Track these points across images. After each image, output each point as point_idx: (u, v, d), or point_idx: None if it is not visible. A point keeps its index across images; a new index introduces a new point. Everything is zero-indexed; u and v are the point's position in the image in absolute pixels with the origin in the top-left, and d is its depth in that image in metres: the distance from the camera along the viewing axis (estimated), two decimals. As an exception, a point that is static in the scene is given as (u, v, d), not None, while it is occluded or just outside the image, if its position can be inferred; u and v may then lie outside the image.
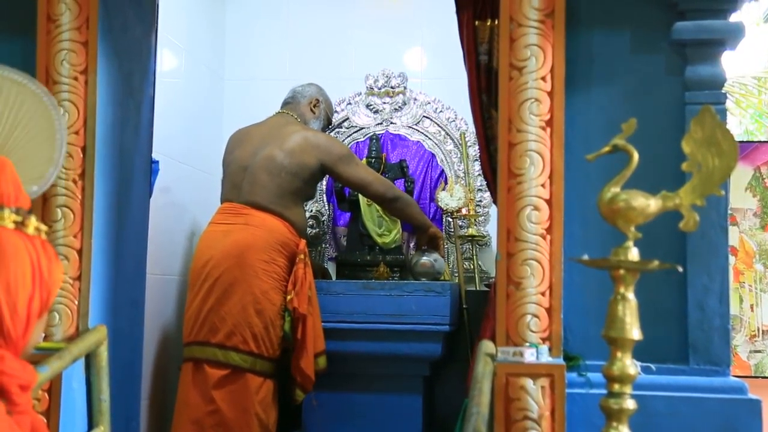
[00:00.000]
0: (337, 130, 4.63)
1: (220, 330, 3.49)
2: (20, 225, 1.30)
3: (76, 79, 2.69)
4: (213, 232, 3.67)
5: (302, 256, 3.57)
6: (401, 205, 3.88)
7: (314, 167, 3.76)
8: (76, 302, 2.66)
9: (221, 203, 3.80)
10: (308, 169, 3.75)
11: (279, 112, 4.02)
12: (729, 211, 2.93)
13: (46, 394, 2.54)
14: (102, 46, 2.74)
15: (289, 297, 3.51)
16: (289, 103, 4.03)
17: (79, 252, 2.67)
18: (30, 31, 2.73)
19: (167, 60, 4.03)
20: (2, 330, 1.26)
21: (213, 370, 3.49)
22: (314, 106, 4.04)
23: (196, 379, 3.50)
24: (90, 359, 2.63)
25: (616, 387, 1.93)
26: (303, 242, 3.65)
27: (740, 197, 4.44)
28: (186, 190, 4.23)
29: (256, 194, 3.69)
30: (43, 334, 2.62)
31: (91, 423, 2.64)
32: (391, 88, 4.59)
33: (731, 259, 4.37)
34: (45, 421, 2.47)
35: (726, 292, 2.58)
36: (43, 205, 2.65)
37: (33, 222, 1.32)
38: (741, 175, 4.44)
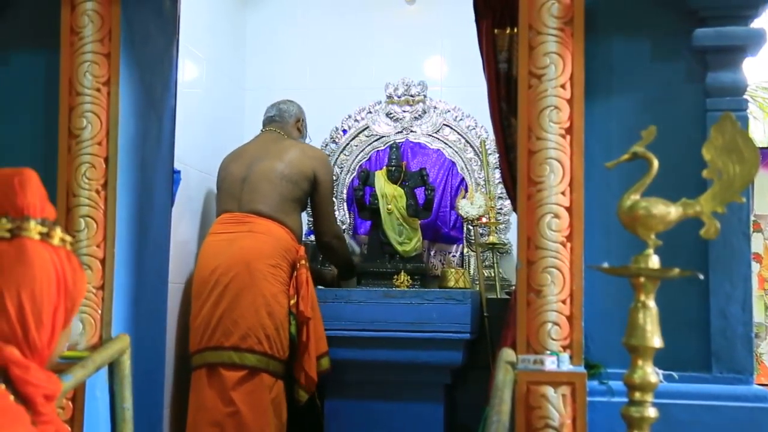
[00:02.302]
0: (357, 138, 4.64)
1: (234, 333, 3.56)
2: (45, 236, 1.31)
3: (98, 90, 2.72)
4: (216, 241, 3.76)
5: (303, 262, 3.72)
6: (332, 250, 4.08)
7: (311, 176, 3.92)
8: (99, 311, 2.68)
9: (218, 215, 3.90)
10: (306, 179, 3.91)
11: (268, 130, 4.15)
12: (753, 218, 2.91)
13: (70, 403, 2.56)
14: (124, 57, 2.77)
15: (292, 301, 3.63)
16: (277, 121, 4.16)
17: (102, 261, 2.69)
18: (54, 44, 2.77)
19: (189, 70, 4.06)
20: (28, 341, 1.28)
21: (229, 372, 3.55)
22: (300, 126, 4.21)
23: (212, 383, 3.56)
24: (113, 368, 2.65)
25: (638, 395, 1.92)
26: (302, 248, 3.80)
27: (765, 204, 4.40)
28: (207, 199, 4.26)
29: (258, 202, 3.81)
30: (67, 343, 2.64)
31: (115, 431, 2.66)
32: (411, 96, 4.59)
33: (756, 266, 4.33)
34: (69, 430, 2.50)
35: (749, 300, 2.56)
36: (66, 216, 2.68)
37: (58, 233, 1.33)
38: (765, 181, 4.40)
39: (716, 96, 2.60)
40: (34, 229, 1.31)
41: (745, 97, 2.63)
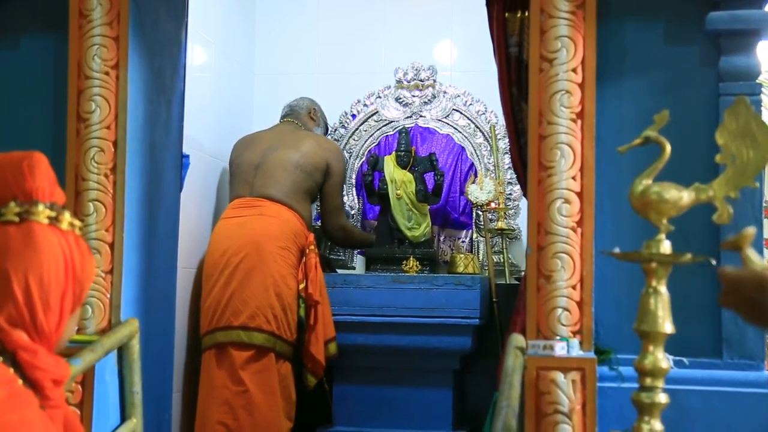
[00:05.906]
0: (366, 123, 4.62)
1: (243, 312, 3.59)
2: (54, 220, 1.31)
3: (107, 73, 2.71)
4: (227, 225, 3.80)
5: (312, 247, 3.76)
6: (336, 241, 4.24)
7: (324, 167, 3.99)
8: (108, 295, 2.68)
9: (231, 201, 3.95)
10: (320, 170, 3.97)
11: (284, 121, 4.23)
12: (765, 204, 2.89)
13: (79, 387, 2.57)
14: (133, 41, 2.76)
15: (301, 285, 3.66)
16: (289, 115, 4.25)
17: (111, 246, 2.69)
18: (62, 27, 2.76)
19: (198, 55, 4.05)
20: (36, 325, 1.27)
21: (238, 351, 3.58)
22: (313, 115, 4.27)
23: (221, 363, 3.60)
24: (122, 352, 2.66)
25: (648, 381, 1.91)
26: (312, 235, 3.84)
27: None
28: (216, 184, 4.26)
29: (269, 187, 3.86)
30: (77, 327, 2.64)
31: (124, 415, 2.67)
32: (421, 81, 4.57)
33: None
34: (78, 413, 2.51)
35: (761, 286, 2.54)
36: (75, 199, 2.68)
37: (67, 217, 1.32)
38: (777, 166, 4.37)
39: (729, 80, 2.57)
40: (42, 213, 1.30)
41: (758, 81, 2.61)
